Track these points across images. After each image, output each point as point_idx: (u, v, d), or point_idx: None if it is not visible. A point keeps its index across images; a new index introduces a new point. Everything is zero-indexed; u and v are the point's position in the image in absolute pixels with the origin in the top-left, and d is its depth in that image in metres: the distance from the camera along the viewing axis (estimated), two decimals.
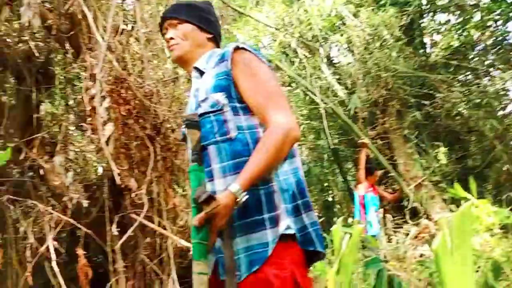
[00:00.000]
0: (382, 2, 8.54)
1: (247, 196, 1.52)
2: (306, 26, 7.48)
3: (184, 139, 1.89)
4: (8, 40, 4.60)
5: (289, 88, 8.99)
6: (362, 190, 6.71)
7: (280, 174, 1.64)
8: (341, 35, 8.12)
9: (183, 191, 5.20)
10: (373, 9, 8.18)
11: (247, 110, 1.68)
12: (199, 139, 1.64)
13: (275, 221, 1.56)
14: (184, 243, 4.39)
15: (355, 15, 8.08)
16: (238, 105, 1.68)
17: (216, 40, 1.98)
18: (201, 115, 1.69)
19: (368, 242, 6.51)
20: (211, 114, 1.67)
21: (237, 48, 1.74)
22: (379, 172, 7.19)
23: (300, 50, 7.81)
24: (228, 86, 1.69)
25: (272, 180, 1.60)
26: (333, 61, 9.85)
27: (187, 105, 1.90)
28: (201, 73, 1.82)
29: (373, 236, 6.44)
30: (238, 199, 1.51)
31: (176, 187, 5.16)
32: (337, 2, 7.67)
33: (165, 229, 4.61)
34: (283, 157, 1.62)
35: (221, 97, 1.67)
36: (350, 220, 7.62)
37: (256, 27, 6.38)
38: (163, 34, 2.00)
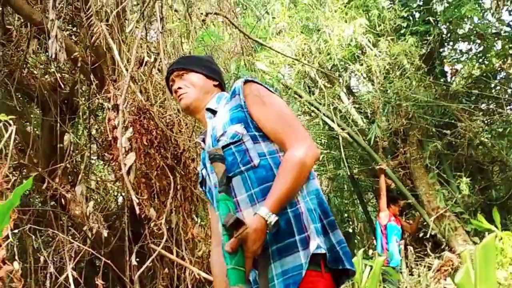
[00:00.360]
0: (402, 32, 8.55)
1: (277, 218, 1.52)
2: (325, 56, 7.51)
3: (202, 182, 1.93)
4: (35, 72, 4.71)
5: (308, 117, 8.98)
6: (384, 219, 6.55)
7: (305, 195, 1.66)
8: (361, 64, 8.11)
9: (202, 221, 5.18)
10: (392, 39, 8.18)
11: (266, 137, 1.73)
12: (224, 171, 1.64)
13: (306, 242, 1.57)
14: (202, 274, 4.35)
15: (375, 44, 8.09)
16: (256, 133, 1.72)
17: (221, 87, 2.04)
18: (222, 148, 1.72)
19: (389, 275, 6.36)
20: (232, 146, 1.71)
21: (246, 81, 1.82)
22: (401, 202, 7.05)
23: (319, 79, 7.82)
24: (245, 116, 1.74)
25: (299, 201, 1.63)
26: (353, 90, 9.85)
27: (206, 145, 1.91)
28: (214, 112, 1.89)
29: (394, 267, 6.31)
30: (268, 221, 1.51)
31: (194, 217, 5.14)
32: (356, 31, 7.68)
33: (183, 259, 4.58)
34: (306, 177, 1.66)
35: (239, 128, 1.72)
36: (370, 252, 7.49)
37: (276, 56, 6.42)
38: (170, 88, 2.05)
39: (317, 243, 1.57)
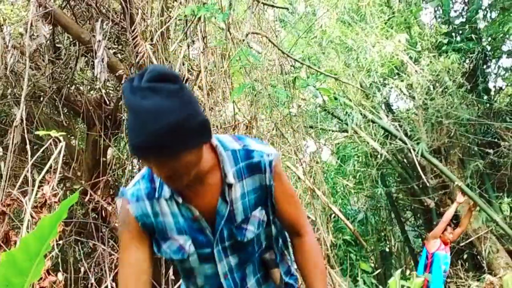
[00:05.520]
0: (443, 49, 8.44)
1: None
2: (366, 73, 7.46)
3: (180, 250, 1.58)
4: (81, 88, 4.88)
5: (346, 134, 8.94)
6: (433, 246, 6.24)
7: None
8: (401, 80, 8.03)
9: None
10: (434, 56, 8.08)
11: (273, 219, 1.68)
12: (281, 275, 1.69)
13: None
14: None
15: (416, 61, 8.00)
16: (271, 217, 1.64)
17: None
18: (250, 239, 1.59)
19: None
20: (254, 236, 1.59)
21: (275, 159, 1.55)
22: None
23: (357, 96, 7.77)
24: (266, 199, 1.59)
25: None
26: (392, 107, 9.75)
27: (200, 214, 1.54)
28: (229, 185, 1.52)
29: None
30: None
31: None
32: (397, 48, 7.62)
33: None
34: None
35: (261, 215, 1.59)
36: (408, 272, 7.35)
37: (311, 73, 6.42)
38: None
39: None
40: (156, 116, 1.21)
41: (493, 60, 9.53)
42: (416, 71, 7.82)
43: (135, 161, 4.68)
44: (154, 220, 1.51)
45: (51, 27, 4.37)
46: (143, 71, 1.27)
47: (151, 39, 4.16)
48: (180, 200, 1.48)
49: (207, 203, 1.51)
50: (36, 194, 3.33)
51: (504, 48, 9.19)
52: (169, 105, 1.23)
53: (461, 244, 8.03)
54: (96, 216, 4.72)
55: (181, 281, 1.74)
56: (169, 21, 4.26)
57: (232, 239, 1.55)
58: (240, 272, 1.62)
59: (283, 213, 1.62)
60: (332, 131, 9.78)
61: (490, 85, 9.57)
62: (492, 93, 9.50)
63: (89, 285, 4.19)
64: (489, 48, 9.23)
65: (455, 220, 7.25)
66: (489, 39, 9.02)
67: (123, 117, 4.53)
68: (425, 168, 8.38)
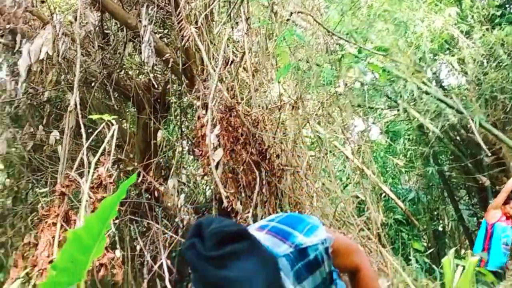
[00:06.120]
0: (497, 21, 8.07)
1: None
2: (414, 48, 7.26)
3: None
4: (130, 73, 5.02)
5: (396, 112, 8.75)
6: (493, 217, 6.02)
7: None
8: (452, 55, 7.76)
9: None
10: (487, 28, 7.75)
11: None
12: None
13: None
14: None
15: (467, 34, 7.70)
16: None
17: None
18: None
19: (483, 276, 6.00)
20: None
21: (327, 246, 1.52)
22: None
23: (405, 73, 7.57)
24: (330, 281, 1.56)
25: None
26: (443, 83, 9.44)
27: None
28: None
29: (495, 270, 5.90)
30: None
31: (279, 211, 5.23)
32: (447, 22, 7.36)
33: None
34: None
35: None
36: (462, 251, 7.18)
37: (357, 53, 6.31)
38: None
39: None
40: (246, 284, 1.12)
41: None
42: (468, 45, 7.54)
43: (184, 142, 4.79)
44: None
45: (99, 14, 4.51)
46: (197, 231, 1.19)
47: (196, 22, 4.22)
48: None
49: None
50: (92, 176, 3.48)
51: None
52: (251, 268, 1.14)
53: None
54: (149, 196, 4.88)
55: None
56: (212, 3, 4.30)
57: None
58: None
59: (343, 268, 1.66)
60: (382, 109, 9.61)
61: None
62: None
63: (145, 262, 4.36)
64: None
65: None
66: None
67: (171, 101, 4.63)
68: (479, 146, 8.10)
